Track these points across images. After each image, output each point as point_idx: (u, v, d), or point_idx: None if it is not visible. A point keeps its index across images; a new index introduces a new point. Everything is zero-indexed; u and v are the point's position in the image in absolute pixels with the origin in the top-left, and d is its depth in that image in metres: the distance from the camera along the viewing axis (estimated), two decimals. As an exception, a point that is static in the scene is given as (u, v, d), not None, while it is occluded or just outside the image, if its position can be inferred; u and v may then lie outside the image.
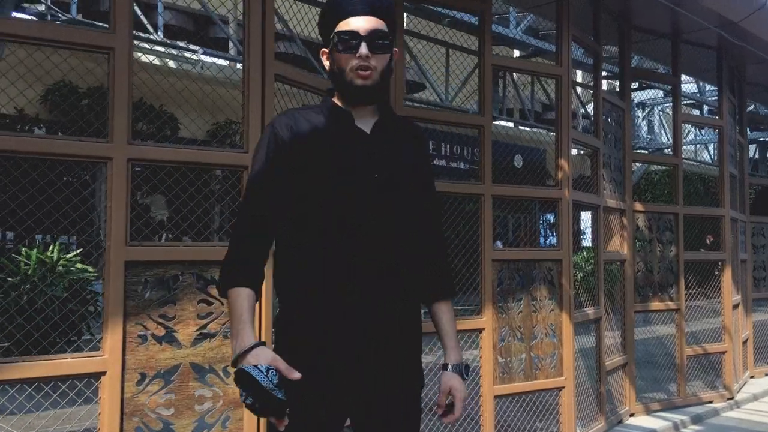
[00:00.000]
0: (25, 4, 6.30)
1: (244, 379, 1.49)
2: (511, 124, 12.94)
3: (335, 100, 1.85)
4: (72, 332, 6.61)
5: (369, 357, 1.74)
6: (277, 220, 1.78)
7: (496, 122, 12.26)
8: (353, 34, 1.76)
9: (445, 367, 1.89)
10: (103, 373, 2.47)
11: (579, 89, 12.95)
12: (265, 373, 1.48)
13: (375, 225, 1.77)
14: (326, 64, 1.86)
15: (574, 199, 4.47)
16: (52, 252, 7.10)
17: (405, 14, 10.81)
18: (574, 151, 4.91)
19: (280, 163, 1.77)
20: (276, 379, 1.49)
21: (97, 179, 8.50)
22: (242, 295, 1.69)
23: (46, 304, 6.48)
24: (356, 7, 1.79)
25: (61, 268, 7.09)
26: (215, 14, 7.52)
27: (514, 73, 11.53)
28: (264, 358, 1.54)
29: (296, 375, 1.53)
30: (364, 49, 1.75)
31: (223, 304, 2.70)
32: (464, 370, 1.89)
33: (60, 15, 6.25)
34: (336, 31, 1.79)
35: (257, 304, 1.86)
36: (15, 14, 5.88)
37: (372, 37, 1.76)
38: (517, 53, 11.00)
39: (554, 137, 4.47)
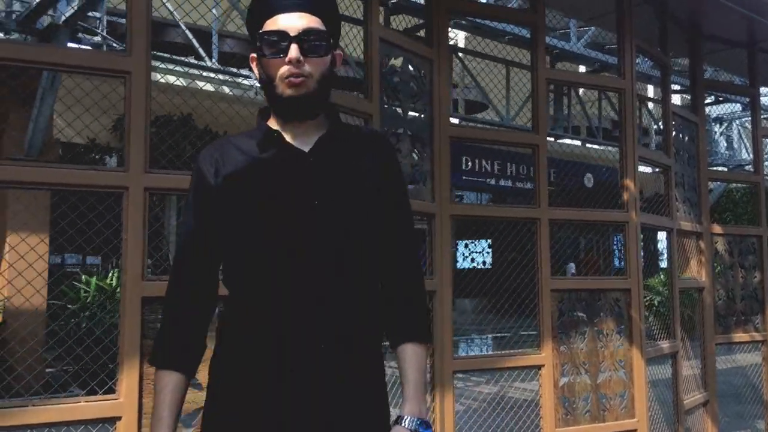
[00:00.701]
0: (82, 35, 6.41)
1: None
2: (578, 143, 12.48)
3: (271, 118, 1.58)
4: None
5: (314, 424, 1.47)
6: (213, 275, 1.57)
7: (562, 140, 11.84)
8: (281, 34, 1.47)
9: (398, 420, 1.54)
10: (119, 418, 2.30)
11: (651, 105, 12.39)
12: None
13: (318, 260, 1.48)
14: (255, 72, 1.57)
15: (644, 222, 4.10)
16: (112, 279, 7.16)
17: (464, 33, 10.62)
18: (648, 169, 4.56)
19: (206, 205, 1.54)
20: None
21: (164, 206, 8.61)
22: (168, 385, 1.50)
23: (104, 332, 6.51)
24: (285, 1, 1.49)
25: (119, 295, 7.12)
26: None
27: (580, 90, 11.11)
28: None
29: None
30: (294, 51, 1.46)
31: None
32: (420, 426, 1.52)
33: (116, 45, 6.34)
34: (261, 31, 1.50)
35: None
36: (70, 44, 6.01)
37: (305, 36, 1.47)
38: (583, 69, 10.59)
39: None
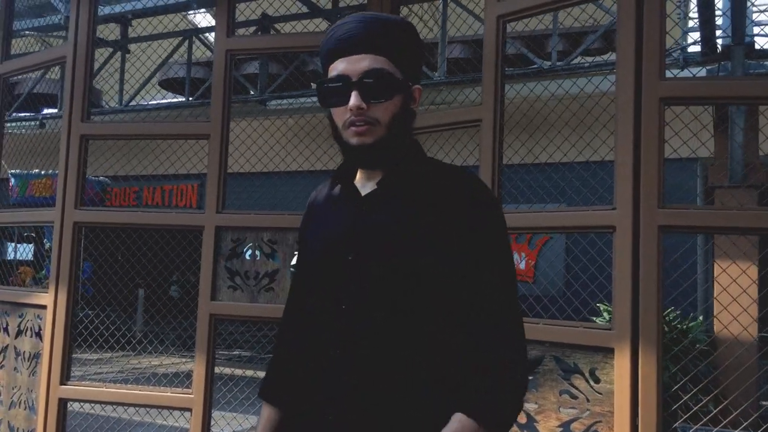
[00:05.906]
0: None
1: None
2: None
3: None
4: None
5: None
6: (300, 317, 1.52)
7: None
8: (341, 80, 1.34)
9: None
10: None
11: None
12: None
13: (355, 318, 1.33)
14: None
15: None
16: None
17: None
18: None
19: (300, 247, 1.56)
20: None
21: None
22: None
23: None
24: (344, 44, 1.35)
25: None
26: None
27: None
28: None
29: None
30: (354, 99, 1.32)
31: (589, 401, 2.06)
32: None
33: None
34: (320, 80, 1.40)
35: None
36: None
37: (366, 80, 1.32)
38: None
39: None
